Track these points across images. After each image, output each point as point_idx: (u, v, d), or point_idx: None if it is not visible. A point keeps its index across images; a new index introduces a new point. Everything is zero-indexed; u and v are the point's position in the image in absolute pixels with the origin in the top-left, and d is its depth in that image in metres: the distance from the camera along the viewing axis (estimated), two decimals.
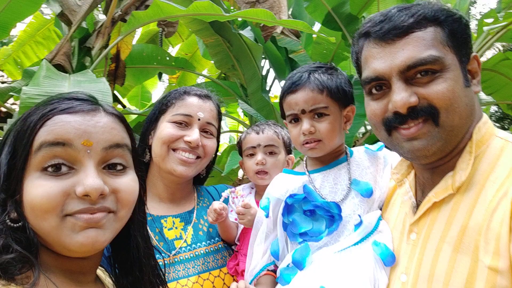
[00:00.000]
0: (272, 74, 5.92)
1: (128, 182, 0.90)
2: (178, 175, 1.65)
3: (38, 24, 5.45)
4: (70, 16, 3.42)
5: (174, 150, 1.64)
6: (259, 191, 1.86)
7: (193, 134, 1.63)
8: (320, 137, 1.41)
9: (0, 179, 0.83)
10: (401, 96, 1.04)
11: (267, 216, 1.45)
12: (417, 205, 1.18)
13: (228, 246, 1.78)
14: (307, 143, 1.43)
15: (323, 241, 1.33)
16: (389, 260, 1.19)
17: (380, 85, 1.11)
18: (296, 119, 1.46)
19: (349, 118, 1.49)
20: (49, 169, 0.82)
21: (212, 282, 1.64)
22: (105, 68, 4.45)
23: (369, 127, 5.40)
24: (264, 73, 5.49)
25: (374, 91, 1.13)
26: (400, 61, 1.05)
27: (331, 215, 1.34)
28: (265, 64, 5.67)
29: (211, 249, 1.72)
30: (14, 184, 0.82)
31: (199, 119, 1.65)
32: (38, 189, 0.80)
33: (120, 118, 0.95)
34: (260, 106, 4.84)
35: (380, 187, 1.42)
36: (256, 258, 1.45)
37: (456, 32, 1.07)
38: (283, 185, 1.46)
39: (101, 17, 4.46)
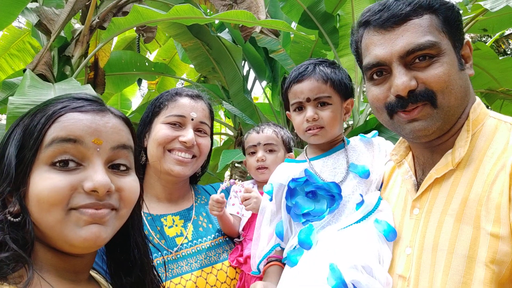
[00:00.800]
0: (252, 75, 5.98)
1: (131, 182, 0.93)
2: (176, 175, 1.68)
3: (12, 37, 5.34)
4: (49, 26, 3.39)
5: (170, 151, 1.67)
6: (260, 187, 1.93)
7: (188, 134, 1.66)
8: (323, 124, 1.51)
9: (9, 172, 0.83)
10: (402, 80, 1.10)
11: (271, 200, 1.54)
12: (418, 183, 1.26)
13: (230, 240, 1.82)
14: (309, 129, 1.53)
15: (325, 220, 1.40)
16: (391, 235, 1.25)
17: (381, 70, 1.17)
18: (300, 108, 1.56)
19: (348, 110, 1.60)
20: (58, 164, 0.83)
21: (216, 276, 1.67)
22: (85, 77, 4.41)
23: (350, 122, 5.51)
24: (244, 74, 5.53)
25: (375, 76, 1.19)
26: (400, 46, 1.11)
27: (332, 195, 1.42)
28: (245, 65, 5.71)
29: (212, 243, 1.75)
30: (20, 177, 0.83)
31: (192, 119, 1.69)
32: (46, 181, 0.81)
33: (126, 120, 0.98)
34: (243, 106, 4.89)
35: (376, 170, 1.51)
36: (263, 240, 1.51)
37: (450, 19, 1.14)
38: (285, 171, 1.55)
39: (78, 25, 4.42)
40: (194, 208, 1.82)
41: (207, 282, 1.63)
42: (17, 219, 0.82)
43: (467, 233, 1.04)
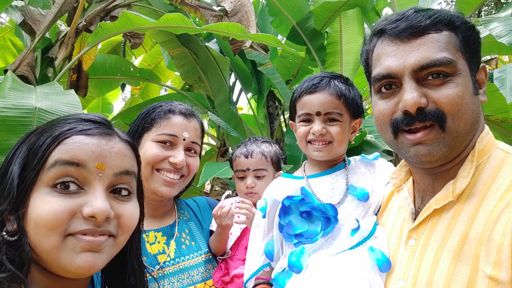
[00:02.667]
0: (238, 85, 5.97)
1: (131, 209, 0.92)
2: (162, 195, 1.64)
3: None
4: (34, 26, 3.30)
5: (158, 170, 1.63)
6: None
7: (179, 156, 1.62)
8: (331, 139, 1.46)
9: (11, 191, 0.82)
10: (412, 95, 1.04)
11: (264, 216, 1.48)
12: (416, 212, 1.20)
13: (212, 258, 1.78)
14: (313, 142, 1.47)
15: (318, 243, 1.34)
16: (385, 266, 1.20)
17: (390, 83, 1.11)
18: (308, 120, 1.49)
19: (355, 129, 1.55)
20: (59, 186, 0.83)
21: None
22: (68, 79, 4.31)
23: None
24: (230, 85, 5.52)
25: (383, 89, 1.13)
26: (414, 60, 1.05)
27: (327, 217, 1.36)
28: (231, 76, 5.71)
29: (195, 262, 1.71)
30: (21, 197, 0.83)
31: (184, 139, 1.64)
32: (46, 205, 0.81)
33: (132, 145, 0.97)
34: (227, 117, 4.86)
35: (376, 193, 1.45)
36: (254, 257, 1.47)
37: (469, 39, 1.08)
38: (281, 187, 1.49)
39: (63, 27, 4.32)
40: (177, 224, 1.78)
41: None
42: (13, 238, 0.81)
43: (464, 273, 0.98)
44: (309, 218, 1.40)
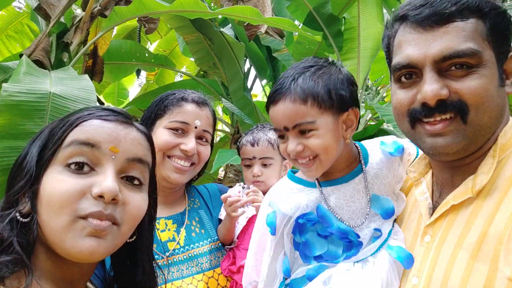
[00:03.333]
0: (252, 72, 5.91)
1: (139, 199, 0.93)
2: (173, 182, 1.67)
3: (9, 18, 5.22)
4: (48, 10, 3.29)
5: (169, 157, 1.65)
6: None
7: (190, 143, 1.64)
8: (313, 153, 1.20)
9: (30, 170, 0.85)
10: (432, 87, 0.99)
11: (273, 233, 1.27)
12: (433, 206, 1.15)
13: (221, 246, 1.78)
14: (298, 159, 1.24)
15: (339, 264, 1.23)
16: (407, 261, 1.13)
17: (410, 73, 1.06)
18: (281, 136, 1.25)
19: (351, 123, 1.25)
20: (72, 166, 0.85)
21: (206, 283, 1.65)
22: (83, 64, 4.32)
23: None
24: (245, 71, 5.47)
25: (403, 79, 1.08)
26: (436, 50, 1.00)
27: (349, 241, 1.22)
28: (246, 62, 5.65)
29: (204, 250, 1.72)
30: (35, 175, 0.85)
31: (196, 127, 1.66)
32: (58, 183, 0.83)
33: (149, 137, 0.99)
34: (242, 104, 4.82)
35: (399, 196, 1.30)
36: (268, 280, 1.29)
37: (498, 27, 1.02)
38: (292, 200, 1.27)
39: (79, 12, 4.32)
40: (187, 212, 1.80)
41: None
42: (26, 219, 0.83)
43: (482, 273, 0.93)
44: (329, 237, 1.25)
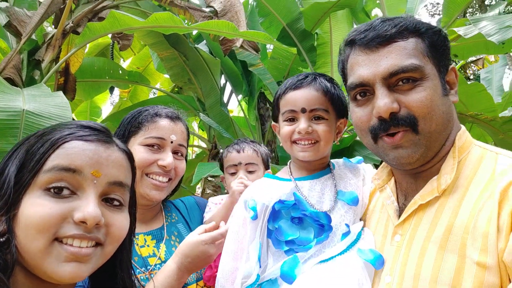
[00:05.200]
0: (228, 87, 5.93)
1: (122, 219, 0.92)
2: (152, 199, 1.64)
3: None
4: (19, 27, 3.22)
5: (147, 174, 1.63)
6: None
7: (167, 158, 1.62)
8: (318, 138, 1.39)
9: (6, 191, 0.82)
10: (384, 102, 1.09)
11: (255, 217, 1.36)
12: (400, 209, 1.23)
13: None
14: (298, 141, 1.41)
15: (311, 252, 1.30)
16: (378, 262, 1.19)
17: (364, 91, 1.16)
18: (292, 119, 1.42)
19: (340, 130, 1.49)
20: (52, 190, 0.82)
21: None
22: (55, 82, 4.23)
23: None
24: (220, 86, 5.48)
25: (358, 97, 1.18)
26: (383, 68, 1.10)
27: (321, 225, 1.32)
28: (222, 78, 5.67)
29: None
30: (14, 197, 0.82)
31: (171, 142, 1.65)
32: (37, 208, 0.80)
33: (129, 155, 0.98)
34: (219, 119, 4.82)
35: (363, 196, 1.43)
36: (248, 262, 1.34)
37: (436, 43, 1.13)
38: (268, 190, 1.40)
39: (50, 29, 4.24)
40: (165, 227, 1.78)
41: None
42: (2, 239, 0.80)
43: (451, 262, 1.00)
44: (301, 224, 1.35)
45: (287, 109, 1.42)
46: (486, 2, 14.49)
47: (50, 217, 0.80)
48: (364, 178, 1.49)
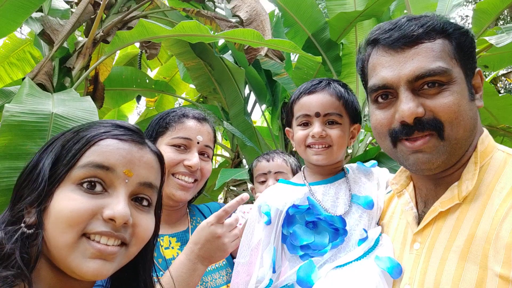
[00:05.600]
0: (252, 97, 5.96)
1: (148, 220, 0.93)
2: (177, 200, 1.64)
3: (13, 45, 5.29)
4: (52, 36, 3.34)
5: (173, 174, 1.63)
6: None
7: (193, 158, 1.62)
8: (331, 142, 1.40)
9: (41, 184, 0.84)
10: (408, 106, 1.04)
11: (268, 222, 1.37)
12: (419, 216, 1.18)
13: (228, 263, 1.75)
14: (312, 146, 1.42)
15: (326, 256, 1.29)
16: (396, 271, 1.15)
17: (386, 93, 1.11)
18: (306, 123, 1.44)
19: (354, 135, 1.51)
20: (85, 185, 0.84)
21: None
22: (84, 90, 4.35)
23: (350, 151, 5.47)
24: (245, 96, 5.52)
25: (380, 99, 1.12)
26: (409, 70, 1.05)
27: (335, 228, 1.31)
28: (246, 88, 5.71)
29: (216, 265, 1.68)
30: (47, 191, 0.83)
31: (198, 143, 1.66)
32: (70, 202, 0.82)
33: (160, 157, 0.99)
34: (242, 128, 4.83)
35: (378, 201, 1.40)
36: (262, 267, 1.34)
37: (463, 45, 1.08)
38: (283, 195, 1.41)
39: (81, 38, 4.38)
40: (190, 230, 1.77)
41: None
42: (30, 231, 0.82)
43: (472, 273, 0.95)
44: (315, 228, 1.34)
45: (301, 114, 1.44)
46: None
47: (81, 212, 0.81)
48: (379, 182, 1.47)
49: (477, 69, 1.13)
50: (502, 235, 0.93)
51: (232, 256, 1.75)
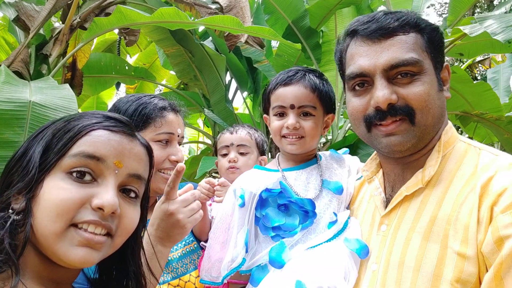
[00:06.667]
0: (233, 84, 5.96)
1: (134, 213, 0.94)
2: (163, 193, 1.64)
3: None
4: (28, 22, 3.27)
5: (159, 170, 1.61)
6: None
7: (179, 153, 1.62)
8: (303, 134, 1.45)
9: (30, 171, 0.84)
10: (383, 93, 1.11)
11: (242, 205, 1.42)
12: (387, 200, 1.26)
13: (197, 247, 1.76)
14: (287, 136, 1.47)
15: (296, 237, 1.35)
16: (363, 252, 1.23)
17: (363, 82, 1.17)
18: (281, 114, 1.48)
19: (328, 124, 1.56)
20: (74, 174, 0.84)
21: (194, 284, 1.62)
22: (62, 77, 4.28)
23: (329, 137, 5.56)
24: (226, 83, 5.51)
25: (357, 87, 1.20)
26: (384, 60, 1.12)
27: (305, 211, 1.37)
28: (227, 74, 5.70)
29: (179, 254, 1.69)
30: (36, 178, 0.84)
31: (178, 135, 1.65)
32: (60, 191, 0.82)
33: (149, 151, 1.00)
34: (224, 116, 4.84)
35: (348, 186, 1.48)
36: (235, 248, 1.40)
37: (434, 40, 1.17)
38: (257, 179, 1.46)
39: (58, 24, 4.29)
40: None
41: None
42: (18, 217, 0.82)
43: (434, 251, 1.04)
44: (287, 211, 1.40)
45: (277, 105, 1.48)
46: (495, 2, 14.39)
47: (70, 201, 0.81)
48: (350, 168, 1.54)
49: (445, 63, 1.22)
50: (461, 217, 1.03)
51: (200, 239, 1.77)
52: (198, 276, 1.63)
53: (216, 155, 2.08)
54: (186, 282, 1.61)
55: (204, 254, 1.67)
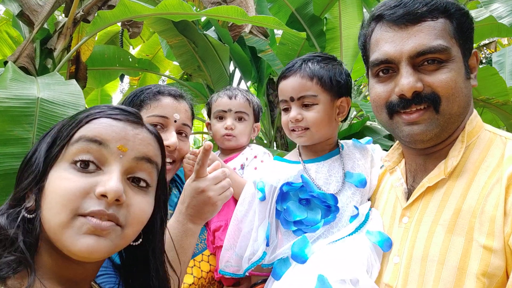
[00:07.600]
0: (237, 74, 5.94)
1: (145, 202, 0.89)
2: None
3: None
4: (31, 17, 3.26)
5: None
6: (223, 152, 1.94)
7: (171, 137, 1.54)
8: (307, 125, 1.42)
9: (38, 167, 0.84)
10: (408, 80, 1.09)
11: (263, 198, 1.40)
12: (408, 191, 1.24)
13: (205, 227, 1.72)
14: (294, 130, 1.45)
15: (319, 232, 1.34)
16: (386, 244, 1.22)
17: (387, 68, 1.15)
18: (286, 108, 1.47)
19: (343, 109, 1.48)
20: (78, 164, 0.83)
21: (199, 268, 1.59)
22: (67, 70, 4.28)
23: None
24: (230, 73, 5.50)
25: (381, 73, 1.17)
26: (411, 46, 1.09)
27: (328, 206, 1.36)
28: (231, 64, 5.68)
29: None
30: (42, 172, 0.84)
31: (175, 121, 1.58)
32: (63, 181, 0.81)
33: (159, 139, 0.97)
34: None
35: (371, 178, 1.45)
36: (257, 242, 1.39)
37: (463, 26, 1.13)
38: (278, 172, 1.44)
39: (62, 18, 4.28)
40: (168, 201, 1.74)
41: (194, 276, 1.54)
42: (31, 215, 0.82)
43: (458, 244, 1.03)
44: (308, 205, 1.38)
45: (281, 99, 1.48)
46: None
47: (73, 190, 0.79)
48: (373, 159, 1.51)
49: (474, 50, 1.18)
50: (487, 209, 1.01)
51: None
52: (210, 254, 1.63)
53: (209, 117, 1.99)
54: (199, 261, 1.59)
55: (222, 245, 1.67)
